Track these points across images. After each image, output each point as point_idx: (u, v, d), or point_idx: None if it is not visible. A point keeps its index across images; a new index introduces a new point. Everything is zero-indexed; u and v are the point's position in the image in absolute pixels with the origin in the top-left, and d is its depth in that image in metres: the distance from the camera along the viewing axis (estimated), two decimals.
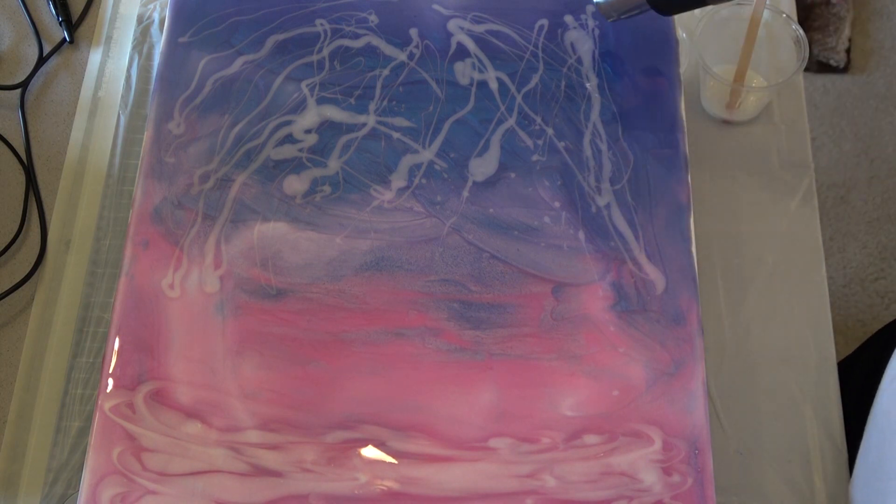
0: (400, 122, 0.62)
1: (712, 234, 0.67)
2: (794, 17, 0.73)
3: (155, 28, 0.72)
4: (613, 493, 0.53)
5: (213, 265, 0.58)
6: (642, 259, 0.59)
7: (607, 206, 0.60)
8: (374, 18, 0.65)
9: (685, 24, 0.73)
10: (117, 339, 0.56)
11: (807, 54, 0.67)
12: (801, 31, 0.68)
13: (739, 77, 0.68)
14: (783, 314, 0.64)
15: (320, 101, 0.63)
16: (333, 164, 0.61)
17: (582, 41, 0.65)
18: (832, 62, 1.56)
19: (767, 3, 0.67)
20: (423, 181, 0.61)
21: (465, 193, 0.60)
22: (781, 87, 0.71)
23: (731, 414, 0.61)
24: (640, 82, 0.64)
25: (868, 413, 0.65)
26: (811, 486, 0.60)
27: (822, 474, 0.60)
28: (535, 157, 0.61)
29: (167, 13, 0.66)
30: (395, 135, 0.62)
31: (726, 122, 0.71)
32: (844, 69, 1.57)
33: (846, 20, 1.58)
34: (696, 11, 0.75)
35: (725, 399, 0.62)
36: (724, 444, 0.60)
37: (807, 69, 1.55)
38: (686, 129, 0.63)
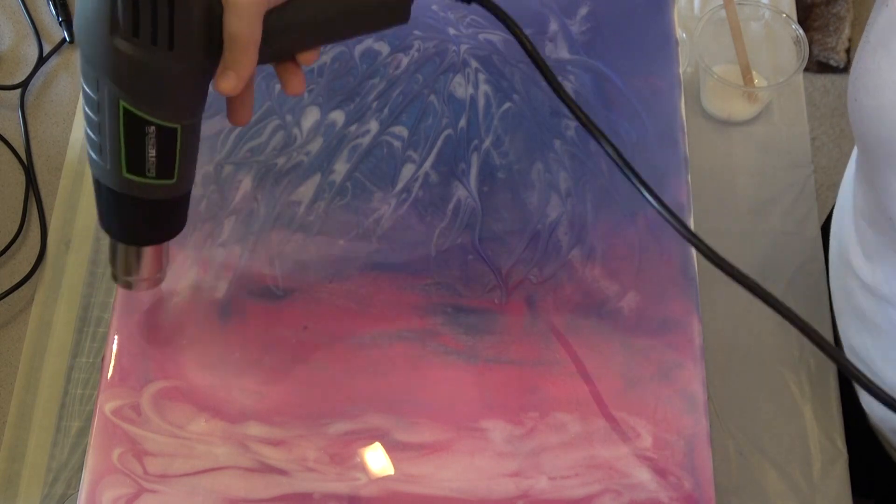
0: (399, 130, 0.62)
1: (712, 233, 0.66)
2: (794, 17, 0.73)
3: None
4: (612, 494, 0.53)
5: (214, 266, 0.58)
6: (641, 260, 0.59)
7: (599, 206, 0.60)
8: None
9: (685, 24, 0.73)
10: (117, 339, 0.56)
11: (807, 54, 0.67)
12: (801, 31, 0.68)
13: (747, 72, 0.68)
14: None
15: (322, 106, 0.63)
16: (335, 169, 0.61)
17: (581, 43, 0.65)
18: (832, 62, 1.56)
19: (767, 3, 0.67)
20: (420, 187, 0.61)
21: (461, 199, 0.60)
22: (781, 87, 0.71)
23: (731, 414, 0.61)
24: (640, 82, 0.64)
25: (868, 414, 0.65)
26: (811, 486, 0.60)
27: (822, 474, 0.60)
28: (524, 167, 0.61)
29: None
30: (396, 143, 0.62)
31: (726, 122, 0.71)
32: (844, 69, 1.57)
33: (846, 20, 1.58)
34: (697, 11, 0.75)
35: (725, 399, 0.62)
36: (724, 444, 0.60)
37: (807, 69, 1.55)
38: (686, 129, 0.63)
